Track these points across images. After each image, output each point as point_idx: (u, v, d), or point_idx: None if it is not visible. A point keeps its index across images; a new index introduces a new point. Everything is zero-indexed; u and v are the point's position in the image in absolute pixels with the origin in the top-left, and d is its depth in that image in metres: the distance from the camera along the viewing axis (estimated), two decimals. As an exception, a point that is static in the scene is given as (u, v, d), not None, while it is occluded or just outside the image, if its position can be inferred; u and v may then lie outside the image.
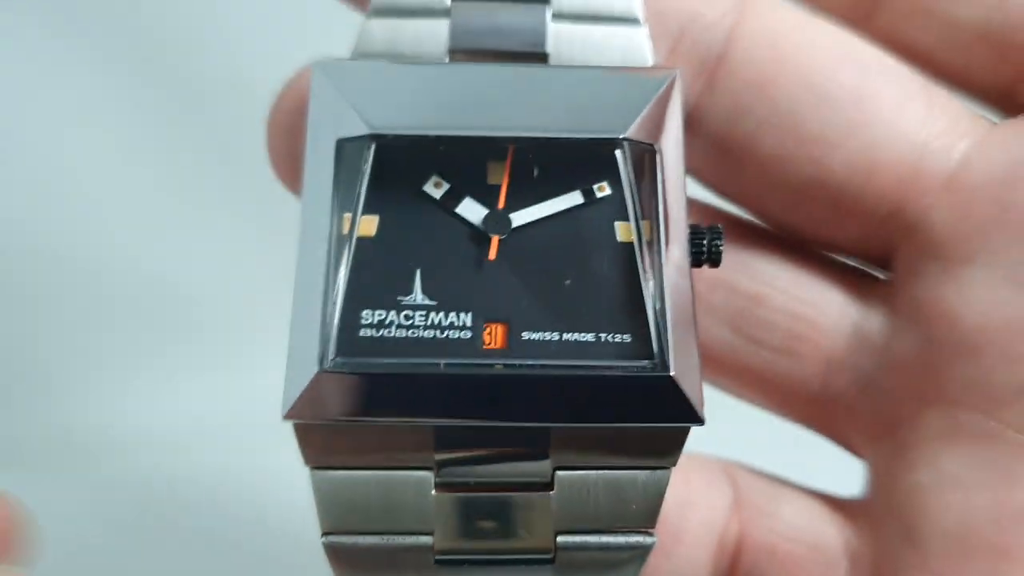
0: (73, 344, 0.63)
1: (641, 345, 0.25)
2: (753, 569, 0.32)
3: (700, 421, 0.25)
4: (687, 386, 0.24)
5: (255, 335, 0.59)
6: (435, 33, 0.29)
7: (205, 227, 0.64)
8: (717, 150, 0.31)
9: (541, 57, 0.29)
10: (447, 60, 0.28)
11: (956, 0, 0.31)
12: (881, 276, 0.33)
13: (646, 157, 0.27)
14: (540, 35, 0.29)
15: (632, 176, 0.27)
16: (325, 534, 0.25)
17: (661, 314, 0.25)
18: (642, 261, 0.26)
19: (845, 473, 0.34)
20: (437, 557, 0.25)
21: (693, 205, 0.33)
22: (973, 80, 0.32)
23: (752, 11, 0.31)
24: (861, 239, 0.32)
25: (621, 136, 0.26)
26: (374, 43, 0.28)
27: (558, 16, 0.29)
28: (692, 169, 0.32)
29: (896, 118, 0.30)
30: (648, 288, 0.26)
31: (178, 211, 0.63)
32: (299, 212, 0.26)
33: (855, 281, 0.33)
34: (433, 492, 0.25)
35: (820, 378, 0.32)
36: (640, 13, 0.29)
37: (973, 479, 0.30)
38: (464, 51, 0.28)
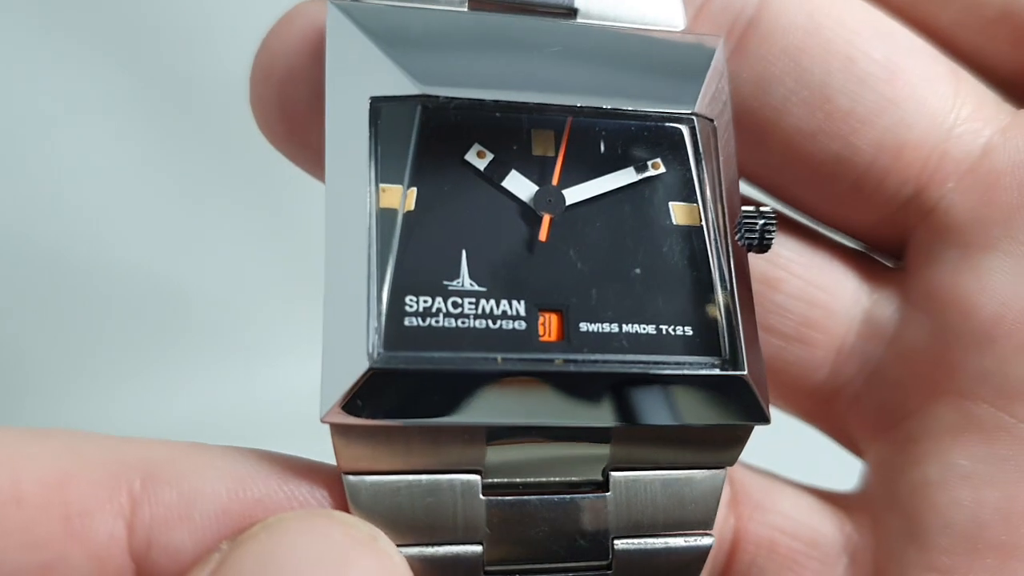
0: (80, 344, 0.63)
1: (707, 340, 0.24)
2: (751, 564, 0.32)
3: (767, 420, 0.24)
4: (758, 385, 0.23)
5: (256, 334, 0.62)
6: None
7: (206, 227, 0.64)
8: (742, 121, 0.30)
9: (569, 12, 0.26)
10: (466, 8, 0.26)
11: None
12: (890, 265, 0.32)
13: (710, 134, 0.25)
14: None
15: (698, 154, 0.25)
16: None
17: (730, 306, 0.24)
18: (709, 247, 0.25)
19: (839, 472, 0.34)
20: (487, 568, 0.23)
21: None
22: (990, 62, 0.32)
23: None
24: (877, 223, 0.32)
25: (690, 111, 0.25)
26: None
27: None
28: None
29: (926, 99, 0.30)
30: (715, 277, 0.24)
31: (180, 212, 0.63)
32: (325, 184, 0.22)
33: (868, 267, 0.32)
34: (481, 496, 0.23)
35: (828, 367, 0.32)
36: None
37: (984, 474, 0.30)
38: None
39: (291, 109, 0.27)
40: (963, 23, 0.31)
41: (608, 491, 0.24)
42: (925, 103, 0.30)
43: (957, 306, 0.30)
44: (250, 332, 0.64)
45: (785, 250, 0.32)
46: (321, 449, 0.22)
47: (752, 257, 0.30)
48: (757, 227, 0.25)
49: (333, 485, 0.23)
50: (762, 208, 0.26)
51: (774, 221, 0.26)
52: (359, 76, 0.23)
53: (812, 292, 0.31)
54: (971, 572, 0.29)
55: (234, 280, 0.64)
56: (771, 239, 0.25)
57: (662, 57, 0.25)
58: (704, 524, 0.25)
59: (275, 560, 0.21)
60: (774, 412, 0.33)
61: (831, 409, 0.33)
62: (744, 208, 0.26)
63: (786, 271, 0.31)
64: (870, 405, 0.32)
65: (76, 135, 0.62)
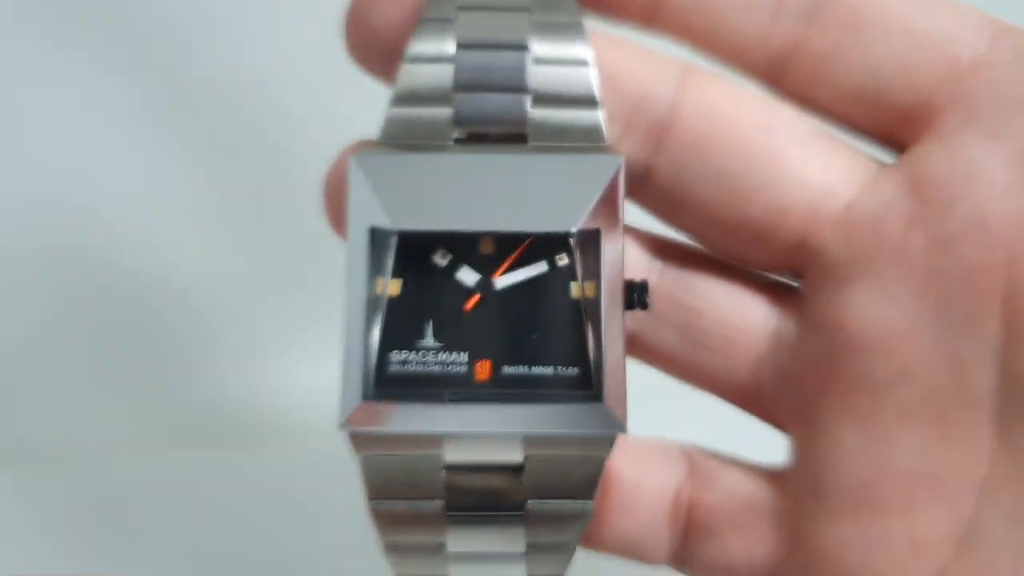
0: (82, 344, 0.63)
1: (584, 377, 0.34)
2: (705, 523, 0.39)
3: (624, 431, 0.33)
4: (616, 409, 0.33)
5: (258, 335, 0.64)
6: (442, 120, 0.36)
7: (207, 228, 0.65)
8: (665, 198, 0.37)
9: (522, 137, 0.36)
10: (452, 141, 0.36)
11: (841, 69, 0.36)
12: (797, 286, 0.39)
13: (591, 237, 0.34)
14: (522, 120, 0.36)
15: (580, 253, 0.35)
16: (370, 499, 0.34)
17: (598, 355, 0.34)
18: (585, 314, 0.35)
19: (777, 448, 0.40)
20: (448, 514, 0.34)
21: (649, 236, 0.40)
22: (861, 129, 0.37)
23: (693, 87, 0.37)
24: (778, 262, 0.38)
25: (572, 230, 0.34)
26: (396, 128, 0.36)
27: (536, 102, 0.36)
28: (648, 209, 0.39)
29: (801, 171, 0.36)
30: (590, 334, 0.34)
31: (184, 213, 0.64)
32: (343, 277, 0.35)
33: (775, 294, 0.39)
34: (443, 473, 0.34)
35: (749, 372, 0.38)
36: (598, 97, 0.36)
37: (862, 448, 0.35)
38: (465, 133, 0.36)
39: (343, 216, 0.36)
40: (836, 103, 0.37)
41: (524, 470, 0.34)
42: (801, 175, 0.36)
43: (835, 324, 0.35)
44: (251, 333, 0.66)
45: (707, 285, 0.39)
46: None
47: (680, 290, 0.39)
48: (635, 294, 0.35)
49: None
50: (636, 280, 0.35)
51: (645, 290, 0.35)
52: (365, 212, 0.34)
53: (729, 317, 0.38)
54: (856, 519, 0.35)
55: (236, 281, 0.66)
56: (647, 300, 0.35)
57: (567, 180, 0.34)
58: (587, 494, 0.34)
59: None
60: (724, 404, 0.41)
61: (758, 403, 0.39)
62: (627, 280, 0.34)
63: (707, 302, 0.38)
64: (785, 399, 0.38)
65: (80, 137, 0.63)
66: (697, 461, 0.41)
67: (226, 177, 0.65)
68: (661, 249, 0.40)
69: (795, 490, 0.39)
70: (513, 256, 0.36)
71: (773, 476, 0.40)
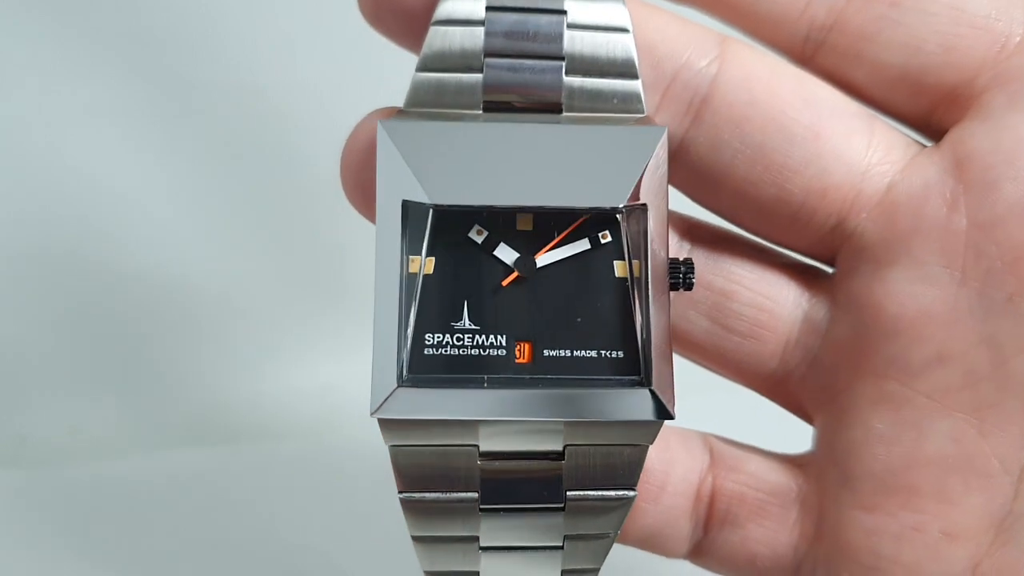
0: (85, 345, 0.64)
1: (631, 361, 0.33)
2: (727, 512, 0.38)
3: (671, 417, 0.32)
4: (663, 395, 0.32)
5: (261, 336, 0.64)
6: (471, 86, 0.34)
7: (209, 228, 0.66)
8: (700, 174, 0.36)
9: (556, 106, 0.34)
10: (481, 110, 0.34)
11: (881, 48, 0.35)
12: (829, 271, 0.38)
13: (638, 213, 0.33)
14: (556, 89, 0.34)
15: (627, 229, 0.33)
16: (400, 492, 0.33)
17: (646, 338, 0.32)
18: (633, 294, 0.33)
19: (795, 438, 0.40)
20: (481, 507, 0.33)
21: (679, 218, 0.38)
22: (898, 110, 0.37)
23: (732, 60, 0.36)
24: (813, 244, 0.37)
25: (620, 205, 0.33)
26: (422, 95, 0.34)
27: (571, 71, 0.34)
28: (680, 187, 0.37)
29: (842, 151, 0.35)
30: (637, 316, 0.33)
31: (187, 214, 0.65)
32: (375, 254, 0.32)
33: (806, 278, 0.38)
34: (478, 462, 0.33)
35: (778, 357, 0.38)
36: (637, 67, 0.34)
37: (893, 434, 0.35)
38: (495, 102, 0.34)
39: (366, 189, 0.35)
40: (874, 84, 0.36)
41: (564, 459, 0.33)
42: (842, 155, 0.35)
43: (870, 308, 0.35)
44: (254, 333, 0.67)
45: (738, 268, 0.38)
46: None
47: (712, 273, 0.38)
48: (680, 272, 0.33)
49: None
50: (684, 258, 0.33)
51: (692, 269, 0.33)
52: (396, 183, 0.32)
53: (760, 300, 0.38)
54: (886, 507, 0.35)
55: (241, 282, 0.66)
56: (692, 280, 0.33)
57: (610, 153, 0.33)
58: (630, 484, 0.33)
59: None
60: (747, 393, 0.40)
61: (785, 389, 0.39)
62: (671, 258, 0.33)
63: (739, 285, 0.38)
64: (813, 385, 0.38)
65: (83, 139, 0.63)
66: (718, 449, 0.40)
67: (228, 178, 0.66)
68: (689, 230, 0.39)
69: (821, 478, 0.38)
70: (564, 233, 0.34)
71: (796, 464, 0.39)
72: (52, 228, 0.63)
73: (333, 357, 0.63)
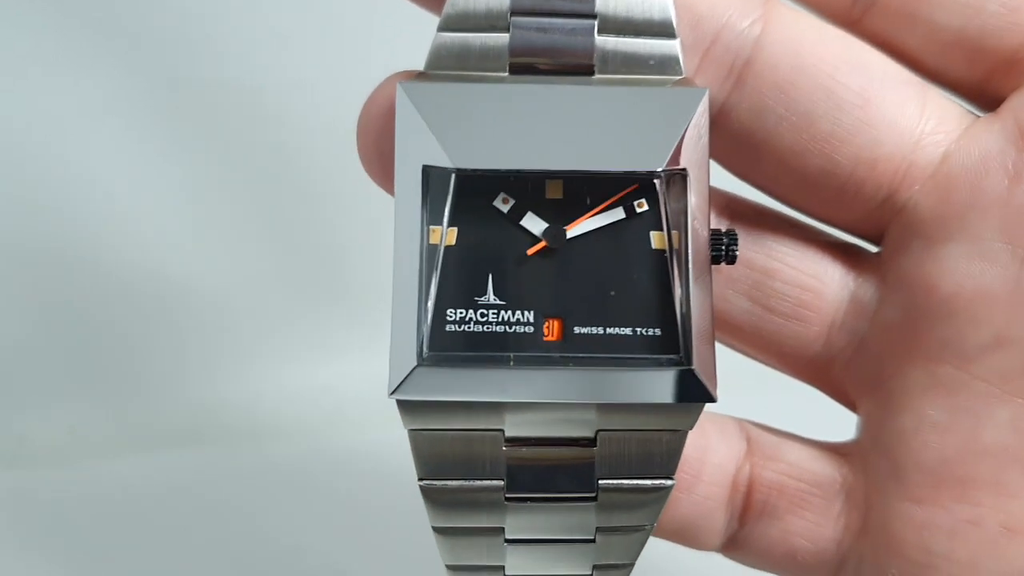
0: (86, 345, 0.64)
1: (670, 339, 0.31)
2: (765, 503, 0.37)
3: (714, 400, 0.30)
4: (704, 375, 0.30)
5: (260, 336, 0.64)
6: (497, 47, 0.32)
7: (211, 229, 0.65)
8: (741, 142, 0.34)
9: (587, 68, 0.32)
10: (507, 72, 0.32)
11: (936, 8, 0.34)
12: (874, 250, 0.37)
13: (678, 179, 0.31)
14: (588, 50, 0.32)
15: (666, 197, 0.31)
16: (421, 479, 0.31)
17: (686, 314, 0.30)
18: (672, 267, 0.31)
19: (836, 426, 0.38)
20: (507, 496, 0.31)
21: (717, 193, 0.36)
22: (951, 77, 0.35)
23: (776, 20, 0.34)
24: (860, 220, 0.36)
25: (658, 169, 0.31)
26: (444, 57, 0.32)
27: (603, 30, 0.32)
28: (718, 157, 0.35)
29: (895, 119, 0.34)
30: (676, 291, 0.31)
31: (186, 214, 0.65)
32: (394, 223, 0.30)
33: (851, 256, 0.37)
34: (504, 448, 0.31)
35: (822, 340, 0.36)
36: (675, 26, 0.32)
37: (947, 422, 0.34)
38: (523, 64, 0.32)
39: (384, 156, 0.33)
40: (927, 48, 0.35)
41: (596, 446, 0.31)
42: (894, 123, 0.34)
43: (923, 287, 0.34)
44: (251, 334, 0.66)
45: (781, 245, 0.36)
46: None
47: (752, 251, 0.36)
48: (723, 244, 0.31)
49: None
50: (726, 229, 0.32)
51: (735, 240, 0.31)
52: (416, 148, 0.30)
53: (804, 279, 0.36)
54: (939, 500, 0.34)
55: (239, 283, 0.66)
56: (735, 252, 0.31)
57: (648, 115, 0.31)
58: (667, 472, 0.31)
59: None
60: (783, 378, 0.38)
61: (828, 374, 0.37)
62: (713, 229, 0.31)
63: (781, 263, 0.36)
64: (859, 370, 0.36)
65: (81, 138, 0.63)
66: (755, 436, 0.38)
67: (226, 178, 0.65)
68: (728, 205, 0.37)
69: (866, 468, 0.36)
70: (600, 208, 0.31)
71: (839, 453, 0.37)
72: (50, 228, 0.63)
73: (331, 358, 0.64)
